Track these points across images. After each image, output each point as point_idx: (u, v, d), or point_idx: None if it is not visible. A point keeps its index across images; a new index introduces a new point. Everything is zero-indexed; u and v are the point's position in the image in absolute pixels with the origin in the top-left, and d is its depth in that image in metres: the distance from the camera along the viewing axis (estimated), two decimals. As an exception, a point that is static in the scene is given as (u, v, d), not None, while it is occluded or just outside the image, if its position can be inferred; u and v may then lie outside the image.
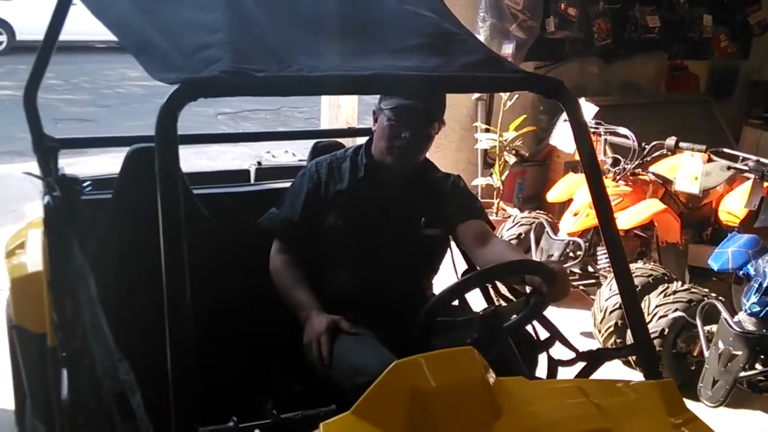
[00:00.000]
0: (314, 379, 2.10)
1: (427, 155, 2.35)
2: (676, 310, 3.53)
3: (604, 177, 2.07)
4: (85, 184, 2.22)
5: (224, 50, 1.51)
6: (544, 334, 2.12)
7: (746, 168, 4.04)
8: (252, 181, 2.84)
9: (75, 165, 2.42)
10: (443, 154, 5.52)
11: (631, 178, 4.38)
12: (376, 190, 2.26)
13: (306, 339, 2.07)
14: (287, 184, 2.64)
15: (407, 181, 2.30)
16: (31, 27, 12.40)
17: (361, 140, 2.44)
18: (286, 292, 2.22)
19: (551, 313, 2.08)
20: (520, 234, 4.52)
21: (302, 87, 1.66)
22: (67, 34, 2.35)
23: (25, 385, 2.48)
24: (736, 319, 3.32)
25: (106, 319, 1.68)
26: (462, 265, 2.50)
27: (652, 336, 3.30)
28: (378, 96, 2.24)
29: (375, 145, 2.27)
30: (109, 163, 5.17)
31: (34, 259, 2.43)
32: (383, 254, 2.20)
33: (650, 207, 4.24)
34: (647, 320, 3.41)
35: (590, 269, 4.47)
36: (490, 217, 2.55)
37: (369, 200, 2.24)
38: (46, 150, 2.33)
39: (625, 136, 4.43)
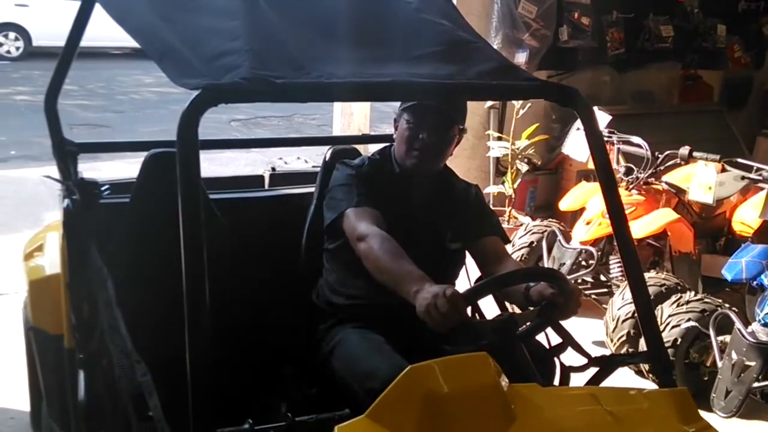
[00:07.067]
0: (327, 382, 2.11)
1: (443, 163, 2.35)
2: (689, 320, 3.52)
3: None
4: (103, 188, 2.25)
5: (244, 57, 1.53)
6: (555, 340, 2.13)
7: (760, 178, 4.02)
8: (266, 187, 2.86)
9: (89, 171, 2.44)
10: (455, 162, 5.46)
11: (644, 187, 4.37)
12: (405, 199, 2.25)
13: (425, 303, 1.77)
14: (301, 190, 2.67)
15: (432, 191, 2.30)
16: (48, 33, 12.55)
17: (373, 147, 2.45)
18: (387, 263, 1.97)
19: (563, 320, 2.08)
20: (532, 242, 4.52)
21: (320, 93, 1.67)
22: (83, 40, 2.37)
23: (41, 387, 2.50)
24: (749, 329, 3.30)
25: (123, 321, 1.70)
26: (473, 275, 2.50)
27: (665, 346, 3.29)
28: (398, 104, 2.25)
29: (396, 152, 2.27)
30: (123, 168, 5.22)
31: (52, 262, 2.46)
32: None
33: (663, 216, 4.24)
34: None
35: (602, 278, 4.46)
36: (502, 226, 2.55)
37: (398, 209, 2.21)
38: (66, 154, 2.37)
39: (639, 146, 4.42)
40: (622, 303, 3.81)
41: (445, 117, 2.18)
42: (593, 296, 4.37)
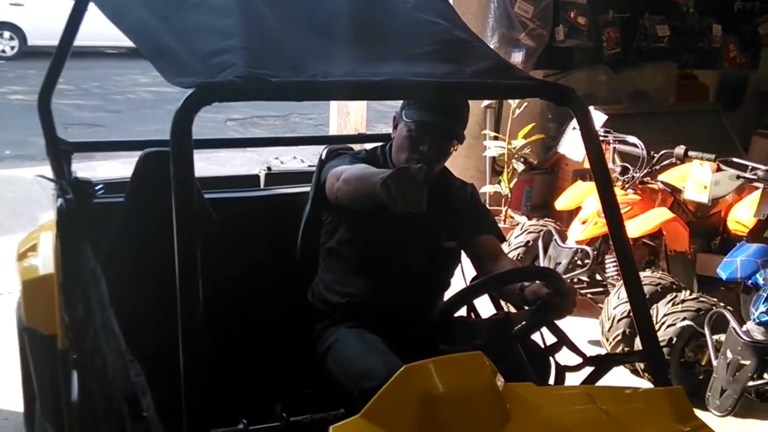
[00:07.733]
0: (322, 382, 2.10)
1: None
2: (684, 319, 3.52)
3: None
4: (97, 188, 2.23)
5: (239, 56, 1.52)
6: (550, 339, 2.13)
7: (755, 177, 4.03)
8: (262, 186, 2.86)
9: (84, 170, 2.43)
10: (451, 161, 5.42)
11: (639, 186, 4.38)
12: None
13: (383, 180, 1.80)
14: (297, 190, 2.66)
15: (429, 190, 2.29)
16: (42, 32, 12.51)
17: (369, 147, 2.45)
18: (358, 172, 2.03)
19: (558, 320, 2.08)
20: (528, 242, 4.52)
21: (315, 92, 1.67)
22: (78, 40, 2.36)
23: (35, 387, 2.49)
24: (744, 328, 3.31)
25: (117, 320, 1.70)
26: (468, 274, 2.50)
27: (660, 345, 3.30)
28: (399, 103, 2.23)
29: (394, 156, 2.25)
30: (118, 168, 5.20)
31: (45, 262, 2.45)
32: (404, 264, 2.19)
33: (659, 216, 4.24)
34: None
35: (598, 277, 4.47)
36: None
37: None
38: (60, 153, 2.36)
39: (634, 145, 4.43)
40: (617, 302, 3.81)
41: (448, 132, 2.17)
42: (589, 295, 4.38)
